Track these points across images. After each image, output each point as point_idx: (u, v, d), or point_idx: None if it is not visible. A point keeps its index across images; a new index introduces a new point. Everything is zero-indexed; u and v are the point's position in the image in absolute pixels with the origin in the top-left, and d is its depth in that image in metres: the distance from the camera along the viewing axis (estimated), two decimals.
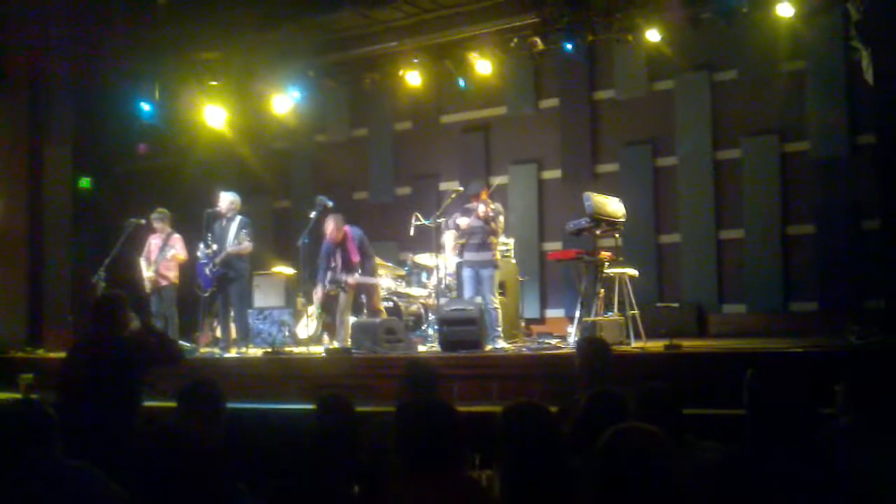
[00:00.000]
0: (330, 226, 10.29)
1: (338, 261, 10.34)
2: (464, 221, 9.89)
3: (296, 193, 14.67)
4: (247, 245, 10.51)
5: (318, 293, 10.51)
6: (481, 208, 9.70)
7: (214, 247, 10.51)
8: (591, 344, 5.83)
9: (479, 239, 9.83)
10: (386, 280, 10.98)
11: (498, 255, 10.03)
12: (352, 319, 10.37)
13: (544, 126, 13.19)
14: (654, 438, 2.64)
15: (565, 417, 4.29)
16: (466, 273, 9.97)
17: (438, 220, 10.29)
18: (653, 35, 10.98)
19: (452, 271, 10.90)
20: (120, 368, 5.52)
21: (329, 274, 10.37)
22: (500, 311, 9.77)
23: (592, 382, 5.13)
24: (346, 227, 10.39)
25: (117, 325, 5.75)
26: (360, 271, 10.29)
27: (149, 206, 11.32)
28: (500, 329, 9.66)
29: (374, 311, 10.45)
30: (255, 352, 10.56)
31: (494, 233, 9.89)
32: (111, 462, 3.54)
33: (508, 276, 10.71)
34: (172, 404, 4.34)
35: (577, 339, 8.56)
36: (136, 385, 5.64)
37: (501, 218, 10.00)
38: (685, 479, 2.82)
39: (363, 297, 10.55)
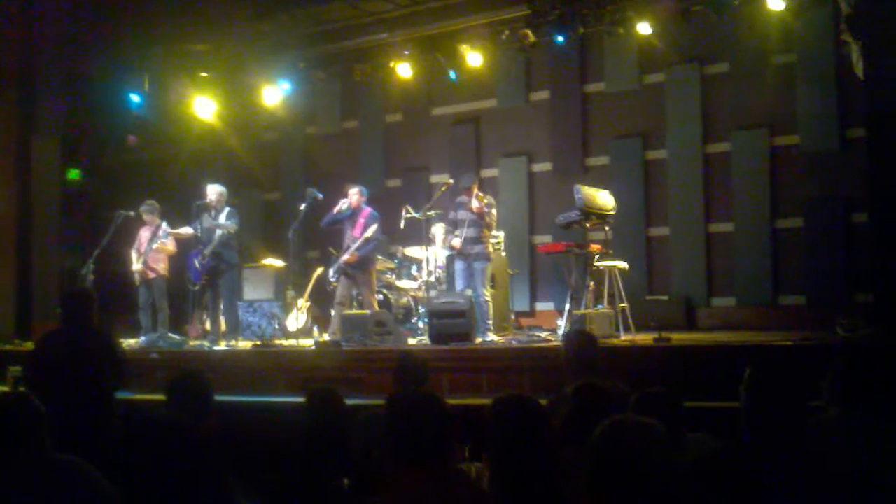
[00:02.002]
0: (353, 191, 10.46)
1: (345, 226, 10.38)
2: (463, 215, 9.91)
3: (286, 185, 14.63)
4: (232, 226, 10.46)
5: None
6: (475, 204, 9.71)
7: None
8: (579, 337, 5.84)
9: (473, 232, 9.84)
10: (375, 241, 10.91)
11: (490, 248, 10.04)
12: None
13: (535, 118, 13.18)
14: (649, 430, 2.64)
15: (555, 410, 4.29)
16: (459, 266, 9.98)
17: (428, 213, 10.29)
18: (644, 28, 10.99)
19: (442, 264, 10.90)
20: (90, 360, 5.58)
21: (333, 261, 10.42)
22: (490, 303, 9.78)
23: (579, 375, 5.14)
24: (368, 208, 10.48)
25: (85, 320, 5.82)
26: (359, 248, 10.27)
27: (138, 197, 11.28)
28: (490, 322, 9.67)
29: (368, 306, 10.45)
30: (244, 344, 10.56)
31: (488, 226, 9.91)
32: (88, 454, 3.53)
33: (499, 269, 10.72)
34: (161, 397, 4.34)
35: (563, 332, 8.57)
36: (107, 376, 5.70)
37: (494, 211, 10.02)
38: (679, 471, 2.82)
39: (355, 292, 10.55)
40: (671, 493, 2.58)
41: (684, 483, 2.95)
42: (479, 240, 9.87)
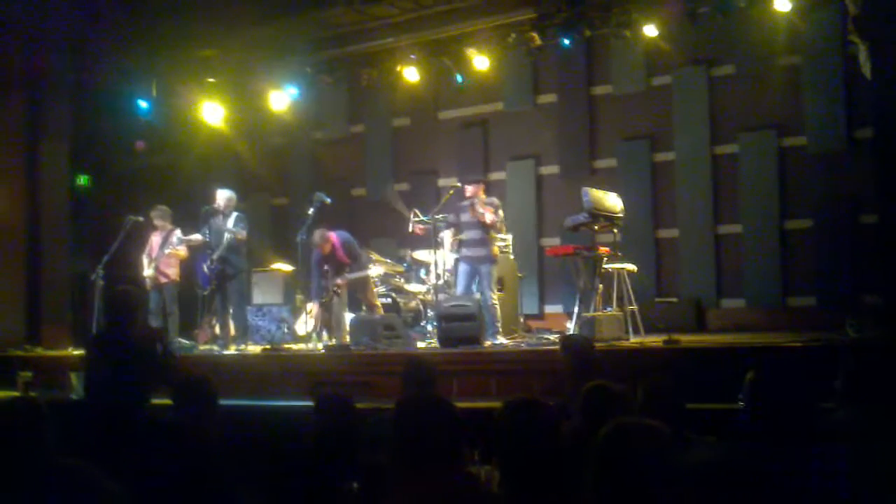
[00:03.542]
0: (316, 240, 10.32)
1: (330, 269, 10.38)
2: (466, 217, 9.92)
3: (294, 190, 14.65)
4: (242, 233, 10.49)
5: (314, 308, 10.50)
6: (488, 216, 9.70)
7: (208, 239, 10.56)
8: (574, 341, 5.86)
9: (477, 234, 9.83)
10: (375, 269, 10.91)
11: (496, 250, 10.02)
12: (350, 316, 10.39)
13: (542, 121, 13.18)
14: (655, 433, 2.64)
15: (562, 412, 4.29)
16: (462, 268, 9.96)
17: (437, 217, 10.30)
18: (650, 30, 10.97)
19: (451, 267, 10.90)
20: (131, 364, 5.66)
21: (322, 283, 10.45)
22: (498, 306, 9.77)
23: (578, 378, 5.15)
24: (332, 235, 10.39)
25: (130, 319, 5.90)
26: (348, 270, 10.34)
27: (147, 203, 11.31)
28: (499, 324, 9.66)
29: (370, 306, 10.46)
30: (253, 349, 10.57)
31: (497, 230, 9.94)
32: (124, 456, 3.55)
33: (507, 273, 10.71)
34: (168, 401, 4.37)
35: (561, 336, 8.55)
36: (143, 381, 5.78)
37: (501, 212, 10.02)
38: (684, 474, 2.82)
39: (358, 296, 10.57)
40: (676, 496, 2.58)
41: (689, 486, 2.95)
42: (483, 242, 9.86)
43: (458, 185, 10.74)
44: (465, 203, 9.99)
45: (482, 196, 9.99)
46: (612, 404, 3.83)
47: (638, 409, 3.82)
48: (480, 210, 9.70)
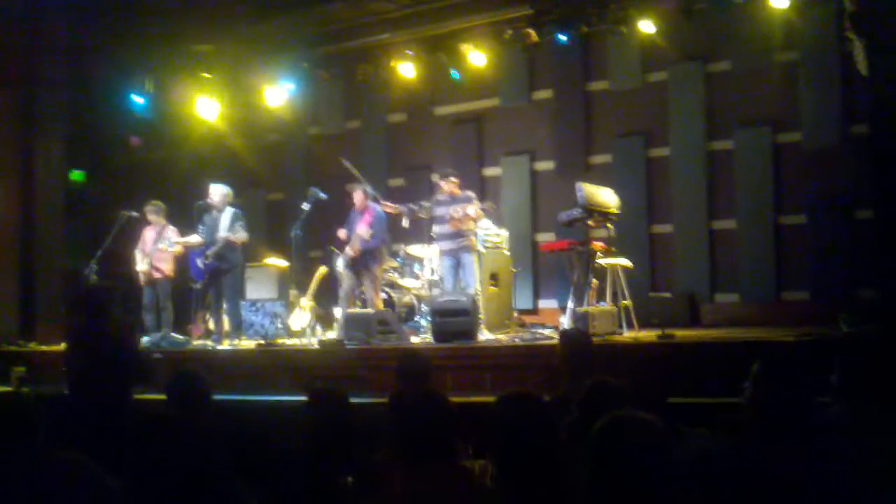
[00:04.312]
0: (357, 193, 10.51)
1: (352, 226, 10.43)
2: (440, 211, 9.98)
3: (289, 186, 14.63)
4: (242, 235, 10.49)
5: (342, 233, 10.53)
6: (468, 216, 9.75)
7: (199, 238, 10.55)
8: (572, 336, 5.87)
9: (450, 227, 9.90)
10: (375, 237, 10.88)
11: (474, 240, 10.06)
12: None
13: (538, 117, 13.18)
14: (648, 426, 2.64)
15: (558, 407, 4.29)
16: (445, 263, 10.03)
17: (422, 207, 10.39)
18: (646, 26, 10.99)
19: None
20: (110, 361, 5.63)
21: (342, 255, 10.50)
22: (482, 297, 9.82)
23: (575, 373, 5.16)
24: (373, 204, 10.51)
25: (104, 318, 5.88)
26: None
27: (141, 198, 11.29)
28: (481, 316, 9.68)
29: (371, 303, 10.46)
30: (247, 344, 10.56)
31: (475, 220, 10.03)
32: (111, 451, 3.55)
33: (502, 267, 10.72)
34: (161, 396, 4.37)
35: (560, 330, 8.57)
36: (125, 377, 5.76)
37: (475, 203, 10.05)
38: (678, 467, 2.82)
39: (357, 291, 10.55)
40: (670, 490, 2.58)
41: (684, 479, 2.95)
42: (457, 233, 9.90)
43: (454, 180, 10.73)
44: (441, 198, 10.05)
45: (456, 192, 10.05)
46: (610, 399, 3.83)
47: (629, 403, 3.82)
48: (461, 214, 9.75)
